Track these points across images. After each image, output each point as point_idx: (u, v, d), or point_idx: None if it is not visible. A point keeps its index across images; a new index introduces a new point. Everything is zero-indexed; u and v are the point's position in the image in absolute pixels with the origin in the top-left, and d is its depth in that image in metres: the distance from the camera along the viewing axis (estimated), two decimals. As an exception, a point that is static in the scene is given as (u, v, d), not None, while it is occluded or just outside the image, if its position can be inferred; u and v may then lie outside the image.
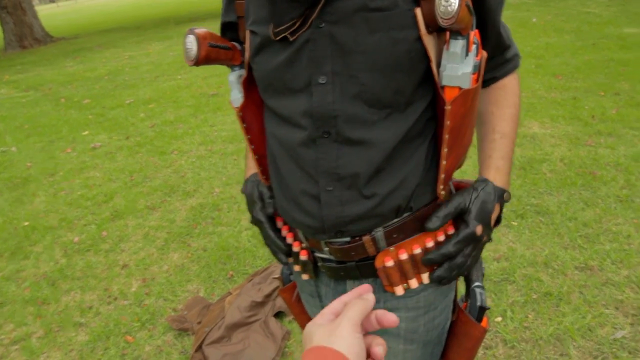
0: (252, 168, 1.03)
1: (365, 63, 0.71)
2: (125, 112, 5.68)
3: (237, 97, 0.91)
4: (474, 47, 0.71)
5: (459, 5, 0.62)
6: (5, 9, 13.54)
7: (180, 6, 23.04)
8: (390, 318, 0.53)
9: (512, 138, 0.88)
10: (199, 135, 4.50)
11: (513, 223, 2.64)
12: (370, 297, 0.54)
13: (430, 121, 0.79)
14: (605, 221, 2.57)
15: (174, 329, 2.18)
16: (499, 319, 2.02)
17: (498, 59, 0.86)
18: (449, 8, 0.62)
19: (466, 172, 3.00)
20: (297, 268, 0.94)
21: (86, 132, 5.13)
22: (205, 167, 3.79)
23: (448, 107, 0.71)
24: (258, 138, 0.94)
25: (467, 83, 0.70)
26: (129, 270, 2.67)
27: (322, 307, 0.94)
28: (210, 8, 18.86)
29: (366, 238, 0.81)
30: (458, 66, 0.69)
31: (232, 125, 4.62)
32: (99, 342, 2.19)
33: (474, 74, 0.71)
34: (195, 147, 4.23)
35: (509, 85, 0.90)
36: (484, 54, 0.75)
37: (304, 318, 1.08)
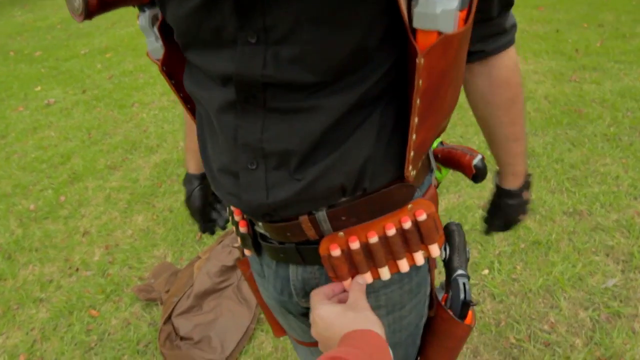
0: (193, 156, 0.88)
1: (309, 14, 0.49)
2: (81, 63, 5.26)
3: (155, 46, 0.70)
4: None
5: None
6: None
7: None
8: None
9: (524, 134, 0.80)
10: (160, 85, 4.18)
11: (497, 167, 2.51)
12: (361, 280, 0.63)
13: (396, 81, 0.58)
14: (593, 162, 2.46)
15: (141, 300, 2.02)
16: (486, 271, 1.92)
17: (495, 25, 0.66)
18: None
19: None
20: (239, 241, 0.77)
21: (39, 88, 4.73)
22: (168, 120, 3.53)
23: (421, 61, 0.49)
24: (190, 97, 0.73)
25: (451, 25, 0.49)
26: (91, 237, 2.48)
27: (269, 289, 0.77)
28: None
29: (303, 218, 0.62)
30: (436, 1, 0.48)
31: (197, 74, 4.32)
32: (61, 318, 2.02)
33: (462, 10, 0.49)
34: (157, 98, 3.93)
35: (512, 80, 0.71)
36: None
37: (259, 295, 0.89)
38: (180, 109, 3.66)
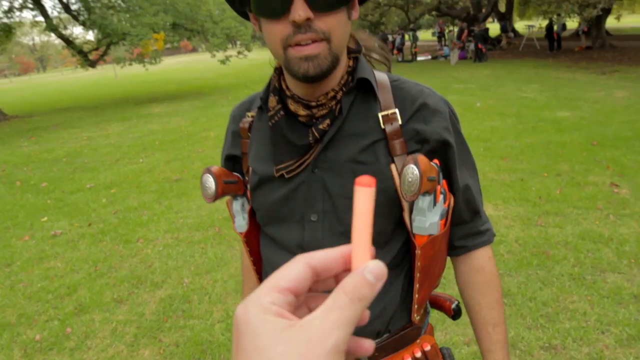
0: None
1: (350, 207, 0.85)
2: (86, 197, 5.60)
3: (241, 223, 1.01)
4: (441, 197, 0.86)
5: (419, 186, 0.76)
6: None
7: (138, 86, 23.41)
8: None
9: (502, 323, 0.97)
10: (164, 223, 4.49)
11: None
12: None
13: (407, 254, 0.92)
14: (562, 299, 2.75)
15: None
16: (475, 405, 2.08)
17: (470, 227, 0.96)
18: (411, 187, 0.76)
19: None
20: None
21: (45, 219, 5.00)
22: (172, 256, 3.77)
23: (418, 251, 0.84)
24: (259, 260, 1.04)
25: (436, 230, 0.84)
26: (97, 370, 2.57)
27: None
28: (167, 89, 19.30)
29: None
30: (425, 219, 0.83)
31: (198, 212, 4.65)
32: None
33: (442, 219, 0.85)
34: (161, 235, 4.21)
35: (486, 267, 0.97)
36: (452, 200, 0.90)
37: None
38: (182, 246, 3.93)
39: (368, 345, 0.36)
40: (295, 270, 0.33)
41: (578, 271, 3.01)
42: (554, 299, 2.76)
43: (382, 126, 0.84)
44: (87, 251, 4.07)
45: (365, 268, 0.32)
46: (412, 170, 0.75)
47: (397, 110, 0.85)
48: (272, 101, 0.88)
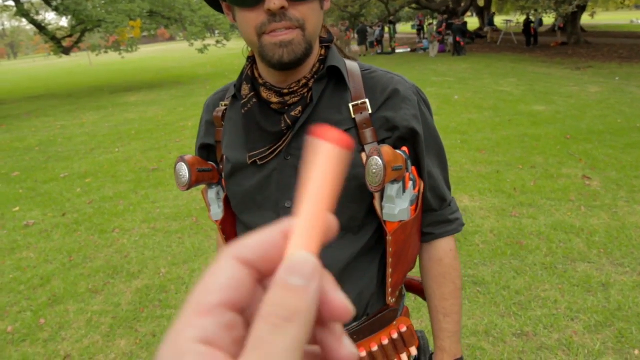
0: None
1: None
2: (60, 186, 5.49)
3: (217, 212, 1.02)
4: (410, 183, 0.88)
5: (383, 176, 0.77)
6: None
7: (114, 74, 22.93)
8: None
9: (455, 313, 0.99)
10: (140, 213, 4.43)
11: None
12: None
13: (381, 239, 0.94)
14: (534, 288, 2.82)
15: None
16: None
17: (439, 215, 0.98)
18: (376, 178, 0.78)
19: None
20: None
21: (17, 209, 4.88)
22: (149, 246, 3.73)
23: (389, 237, 0.86)
24: None
25: (406, 216, 0.86)
26: (71, 361, 2.53)
27: None
28: (144, 78, 18.96)
29: None
30: (395, 206, 0.85)
31: (175, 202, 4.61)
32: None
33: (412, 205, 0.87)
34: (137, 225, 4.16)
35: (445, 260, 0.99)
36: (422, 185, 0.92)
37: None
38: (159, 237, 3.89)
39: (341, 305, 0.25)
40: (223, 274, 0.23)
41: (550, 261, 3.09)
42: (527, 287, 2.83)
43: (352, 115, 0.86)
44: (61, 241, 3.99)
45: (286, 270, 0.22)
46: (375, 162, 0.77)
47: (367, 100, 0.87)
48: (245, 89, 0.89)
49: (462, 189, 4.34)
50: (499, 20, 28.66)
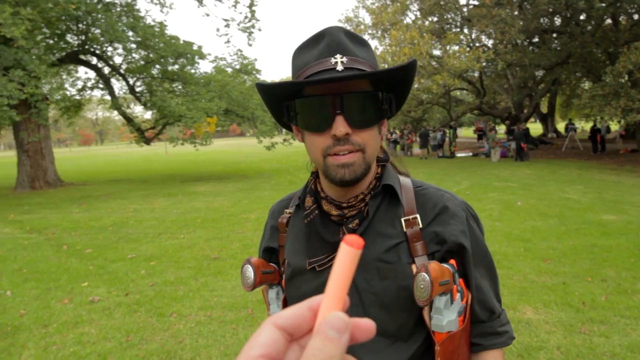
0: None
1: (375, 301, 0.93)
2: (127, 266, 5.77)
3: (275, 311, 1.09)
4: (458, 295, 0.91)
5: (431, 291, 0.82)
6: (27, 152, 14.45)
7: (186, 164, 24.57)
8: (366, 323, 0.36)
9: None
10: (198, 300, 4.53)
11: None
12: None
13: (430, 349, 0.95)
14: (609, 419, 2.55)
15: None
16: None
17: (487, 327, 0.99)
18: (424, 293, 0.83)
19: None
20: None
21: (85, 284, 5.15)
22: (203, 334, 3.77)
23: (437, 347, 0.89)
24: None
25: (454, 327, 0.89)
26: None
27: None
28: (213, 170, 20.15)
29: None
30: (442, 317, 0.89)
31: (233, 292, 4.69)
32: None
33: (460, 316, 0.91)
34: (194, 312, 4.24)
35: None
36: (469, 296, 0.95)
37: None
38: (214, 325, 3.94)
39: (367, 324, 0.35)
40: (263, 335, 0.32)
41: (627, 388, 2.81)
42: (600, 416, 2.57)
43: (404, 229, 0.94)
44: (121, 320, 4.13)
45: (325, 324, 0.31)
46: (423, 278, 0.83)
47: (418, 215, 0.95)
48: (309, 201, 1.00)
49: (525, 300, 4.12)
50: (563, 127, 28.47)
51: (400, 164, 1.09)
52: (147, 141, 17.39)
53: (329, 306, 0.34)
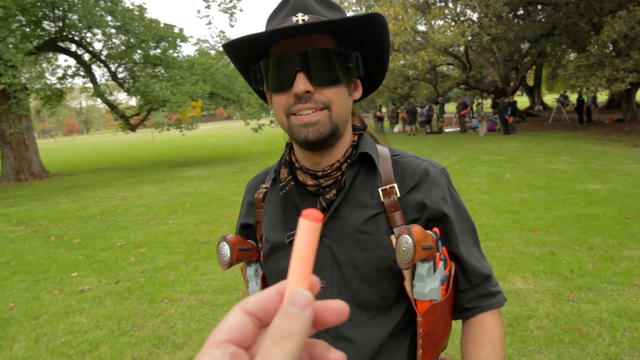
0: None
1: (356, 274, 0.90)
2: (116, 254, 5.73)
3: (254, 288, 1.06)
4: (441, 263, 0.89)
5: (413, 254, 0.80)
6: (9, 144, 14.20)
7: (173, 150, 24.35)
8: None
9: None
10: (189, 284, 4.52)
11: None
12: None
13: (412, 320, 0.94)
14: (597, 382, 2.60)
15: None
16: None
17: (482, 289, 0.98)
18: (406, 256, 0.81)
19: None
20: None
21: (75, 274, 5.11)
22: (195, 318, 3.77)
23: (420, 318, 0.87)
24: None
25: (436, 295, 0.87)
26: None
27: None
28: (201, 154, 20.00)
29: None
30: (425, 284, 0.87)
31: (223, 275, 4.68)
32: None
33: (443, 285, 0.89)
34: (185, 297, 4.23)
35: (486, 323, 0.97)
36: (453, 266, 0.93)
37: None
38: (206, 309, 3.93)
39: (339, 306, 0.33)
40: (229, 320, 0.32)
41: (614, 351, 2.86)
42: (589, 380, 2.61)
43: (382, 199, 0.91)
44: (112, 308, 4.11)
45: (286, 301, 0.31)
46: (405, 240, 0.81)
47: (395, 185, 0.92)
48: (284, 173, 0.97)
49: (515, 271, 4.16)
50: (549, 99, 28.58)
51: (380, 137, 1.06)
52: (133, 128, 17.15)
53: (293, 284, 0.33)
